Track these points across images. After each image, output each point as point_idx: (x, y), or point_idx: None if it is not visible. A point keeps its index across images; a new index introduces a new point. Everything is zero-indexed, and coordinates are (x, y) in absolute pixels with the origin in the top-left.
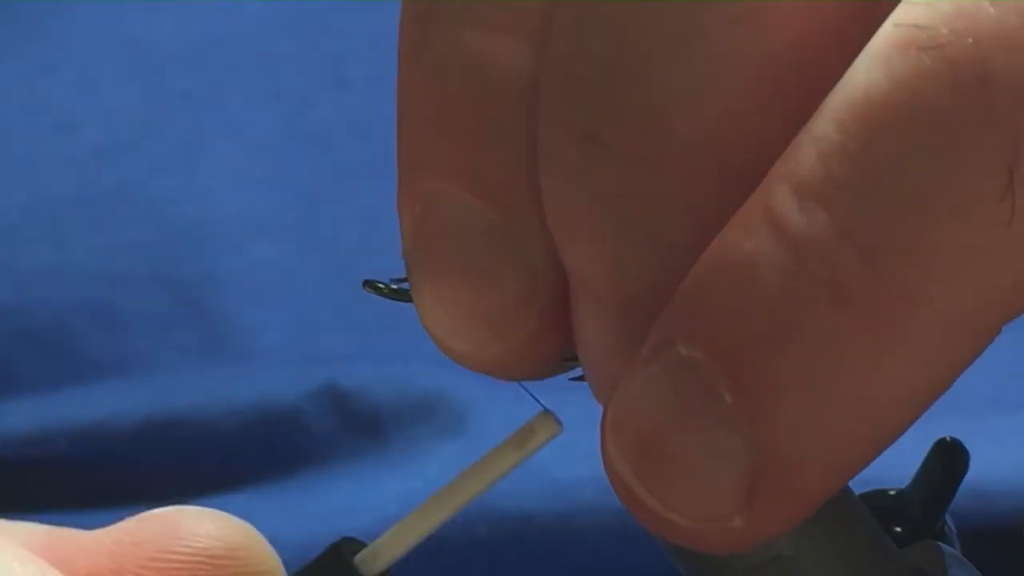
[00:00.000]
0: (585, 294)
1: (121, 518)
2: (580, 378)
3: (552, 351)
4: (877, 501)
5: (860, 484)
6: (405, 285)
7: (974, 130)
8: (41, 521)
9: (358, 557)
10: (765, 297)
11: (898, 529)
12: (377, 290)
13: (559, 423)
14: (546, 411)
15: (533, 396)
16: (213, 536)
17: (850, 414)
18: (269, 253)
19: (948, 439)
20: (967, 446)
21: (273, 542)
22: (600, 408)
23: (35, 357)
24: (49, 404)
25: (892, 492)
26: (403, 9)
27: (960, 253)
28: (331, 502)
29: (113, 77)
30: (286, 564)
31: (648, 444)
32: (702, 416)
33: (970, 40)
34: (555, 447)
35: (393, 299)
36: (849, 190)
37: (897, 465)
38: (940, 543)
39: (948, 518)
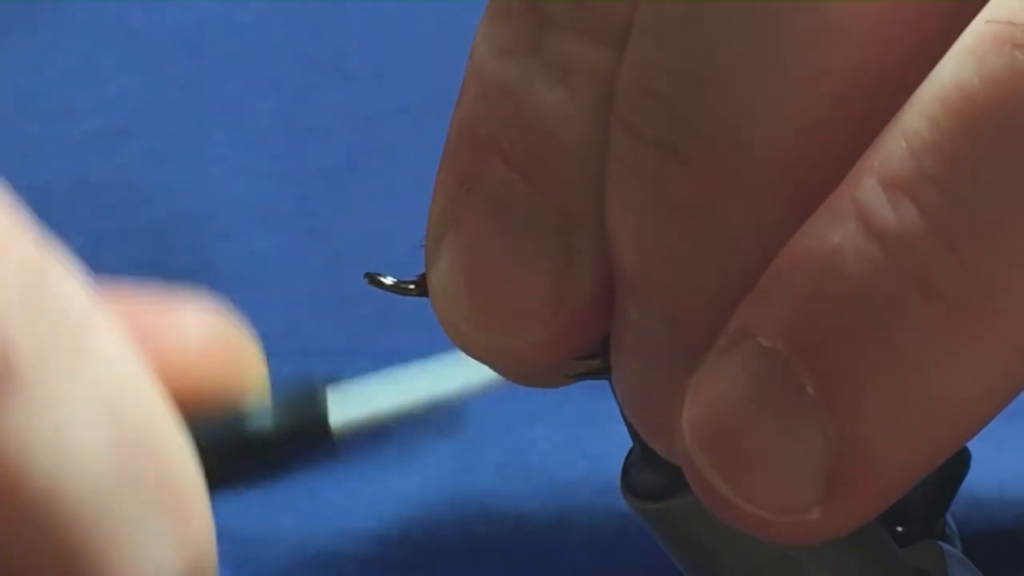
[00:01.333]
0: (636, 304)
1: None
2: (579, 376)
3: (567, 355)
4: None
5: None
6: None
7: None
8: None
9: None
10: (851, 290)
11: (899, 529)
12: (378, 283)
13: None
14: None
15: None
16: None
17: (933, 410)
18: (267, 243)
19: None
20: (969, 452)
21: (270, 540)
22: (601, 407)
23: None
24: None
25: None
26: (493, 4)
27: None
28: (329, 500)
29: (112, 65)
30: (284, 563)
31: (727, 434)
32: (783, 408)
33: None
34: (554, 447)
35: (394, 293)
36: (940, 186)
37: None
38: (941, 543)
39: (949, 518)
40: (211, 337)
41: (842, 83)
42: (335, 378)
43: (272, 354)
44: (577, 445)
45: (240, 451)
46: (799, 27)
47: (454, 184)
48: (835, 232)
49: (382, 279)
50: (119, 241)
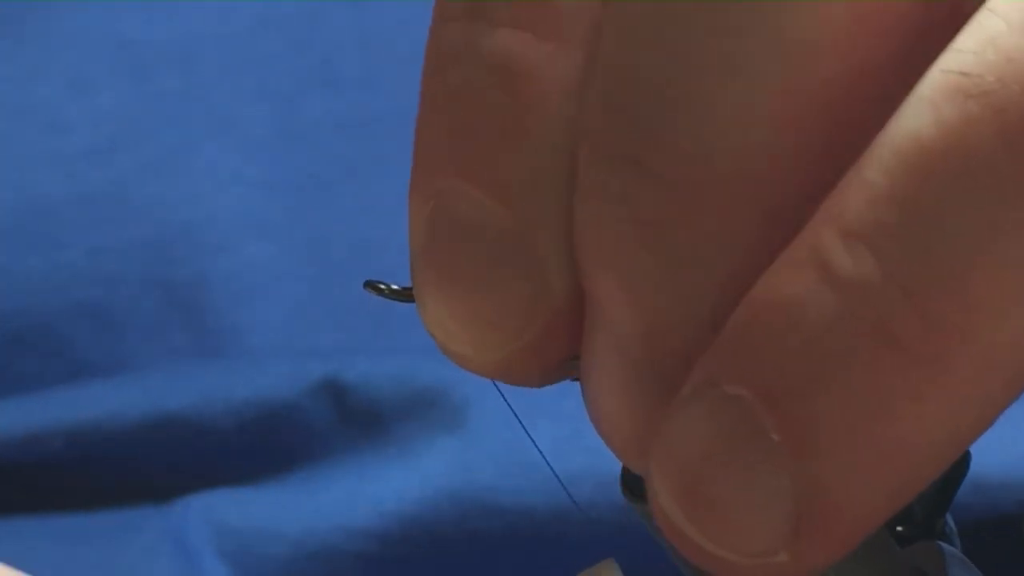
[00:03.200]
0: (605, 325)
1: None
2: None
3: (554, 359)
4: None
5: None
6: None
7: (1022, 175)
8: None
9: None
10: (812, 338)
11: (898, 529)
12: (378, 291)
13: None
14: (610, 560)
15: (512, 409)
16: None
17: (895, 453)
18: (261, 253)
19: None
20: (969, 453)
21: (272, 537)
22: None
23: (29, 360)
24: (45, 405)
25: None
26: (437, 8)
27: (1007, 297)
28: (329, 497)
29: (103, 77)
30: (284, 559)
31: (695, 483)
32: (748, 454)
33: (1017, 88)
34: (554, 441)
35: (394, 300)
36: (897, 235)
37: None
38: (940, 543)
39: (949, 518)
40: None
41: (812, 96)
42: None
43: (272, 358)
44: (577, 439)
45: None
46: (768, 39)
47: (418, 199)
48: (795, 282)
49: (381, 286)
50: (115, 255)
